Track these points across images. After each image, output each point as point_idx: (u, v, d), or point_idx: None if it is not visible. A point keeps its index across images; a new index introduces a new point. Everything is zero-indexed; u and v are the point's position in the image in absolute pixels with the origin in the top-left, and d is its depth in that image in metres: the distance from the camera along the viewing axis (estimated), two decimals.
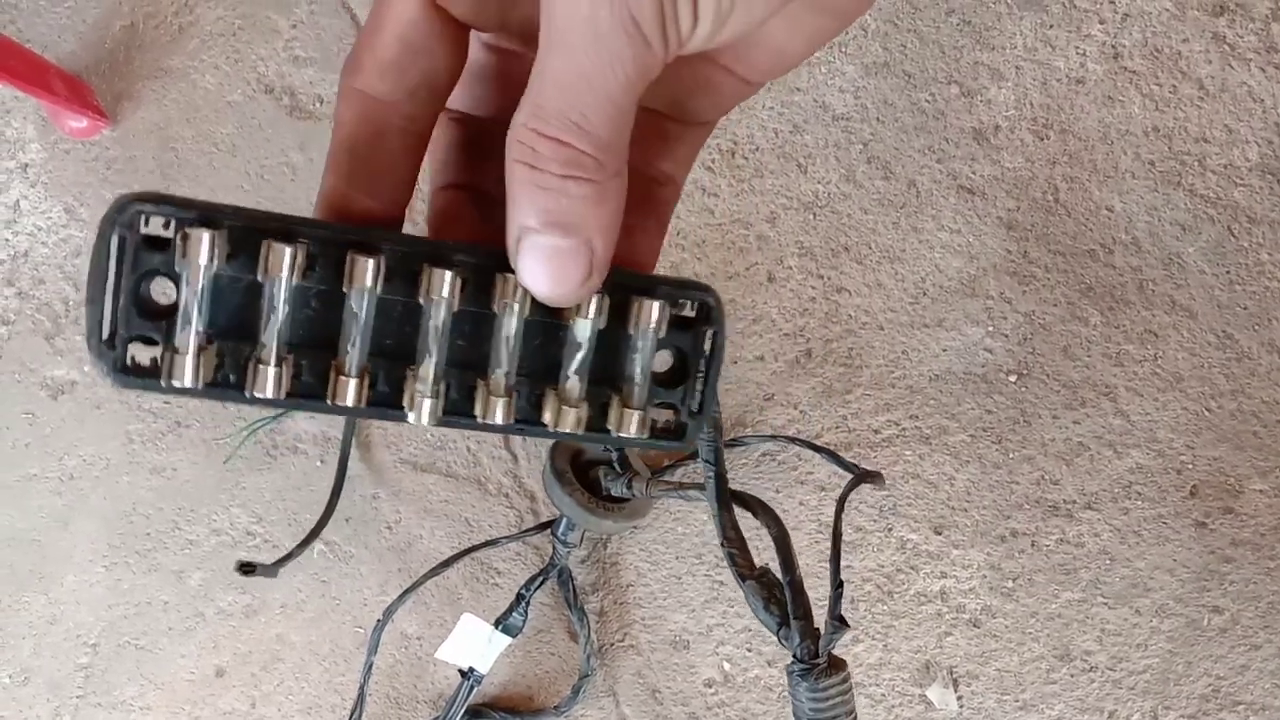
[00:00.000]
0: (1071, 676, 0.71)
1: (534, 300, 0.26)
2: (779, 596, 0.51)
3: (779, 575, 0.52)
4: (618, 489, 0.73)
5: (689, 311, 0.28)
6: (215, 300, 0.25)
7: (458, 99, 0.29)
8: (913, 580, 0.74)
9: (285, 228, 0.25)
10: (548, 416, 0.27)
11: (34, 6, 0.94)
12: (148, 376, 0.25)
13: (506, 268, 0.25)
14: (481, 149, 0.29)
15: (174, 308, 0.25)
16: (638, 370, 0.27)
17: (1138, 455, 0.72)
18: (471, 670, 0.75)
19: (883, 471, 0.76)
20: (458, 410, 0.27)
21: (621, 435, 0.28)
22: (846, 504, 0.76)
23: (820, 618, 0.50)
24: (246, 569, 0.73)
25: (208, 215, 0.24)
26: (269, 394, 0.25)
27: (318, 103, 0.92)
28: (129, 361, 0.25)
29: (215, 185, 0.92)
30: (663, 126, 0.30)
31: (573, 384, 0.27)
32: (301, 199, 0.91)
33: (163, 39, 0.94)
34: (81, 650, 0.87)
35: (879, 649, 0.75)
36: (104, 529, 0.89)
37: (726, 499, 0.54)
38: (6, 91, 0.93)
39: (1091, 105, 0.77)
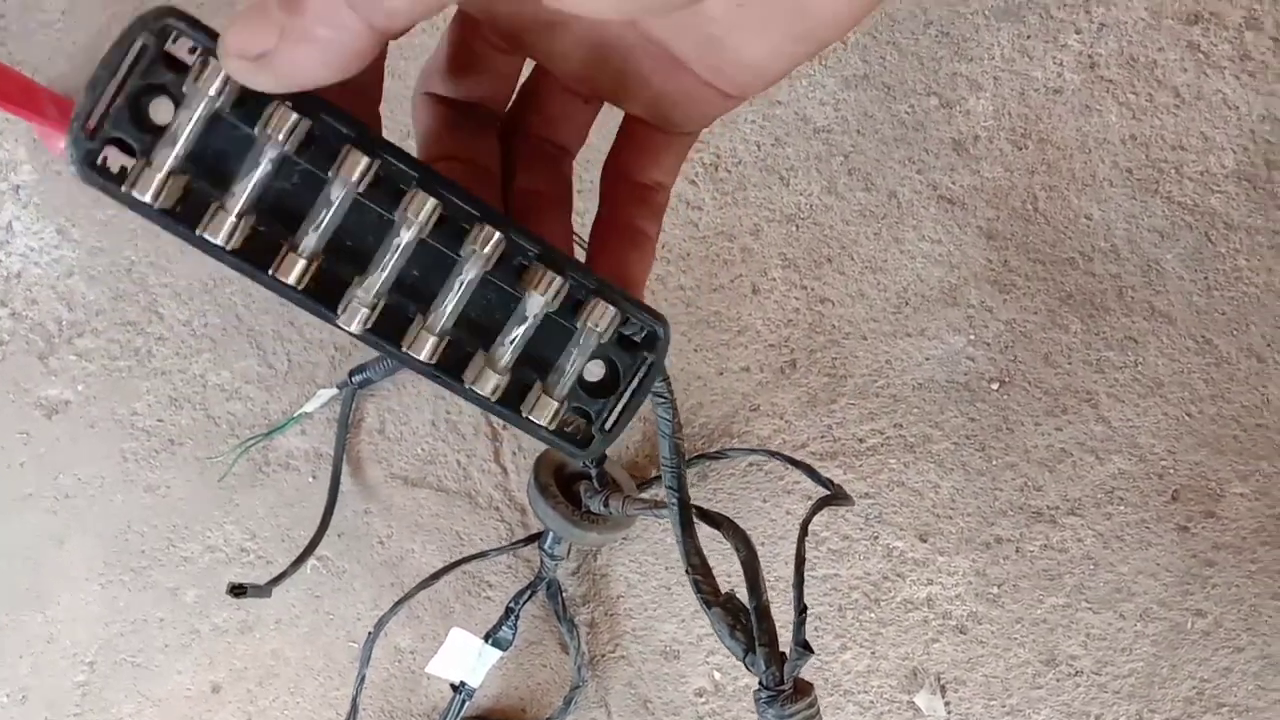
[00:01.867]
0: (1057, 681, 0.71)
1: (499, 262, 0.27)
2: (744, 622, 0.50)
3: (745, 599, 0.52)
4: (595, 505, 0.73)
5: (636, 334, 0.29)
6: (207, 138, 0.25)
7: (441, 85, 0.30)
8: (899, 587, 0.75)
9: (301, 101, 0.25)
10: (469, 374, 0.28)
11: (24, 29, 0.95)
12: (110, 180, 0.25)
13: (492, 222, 0.26)
14: (467, 129, 0.30)
15: (164, 128, 0.25)
16: (569, 364, 0.28)
17: (1119, 461, 0.73)
18: (463, 684, 0.75)
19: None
20: (386, 333, 0.27)
21: (530, 419, 0.28)
22: (829, 513, 0.77)
23: (786, 642, 0.50)
24: (237, 591, 0.73)
25: None
26: (219, 240, 0.25)
27: None
28: (100, 159, 0.25)
29: None
30: (649, 136, 0.31)
31: (505, 351, 0.28)
32: None
33: None
34: (78, 668, 0.88)
35: (867, 656, 0.75)
36: (99, 547, 0.89)
37: (690, 525, 0.54)
38: None
39: (1069, 114, 0.78)
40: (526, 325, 0.27)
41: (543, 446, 0.83)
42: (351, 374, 0.86)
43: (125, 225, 0.93)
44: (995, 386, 0.76)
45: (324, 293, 0.27)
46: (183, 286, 0.93)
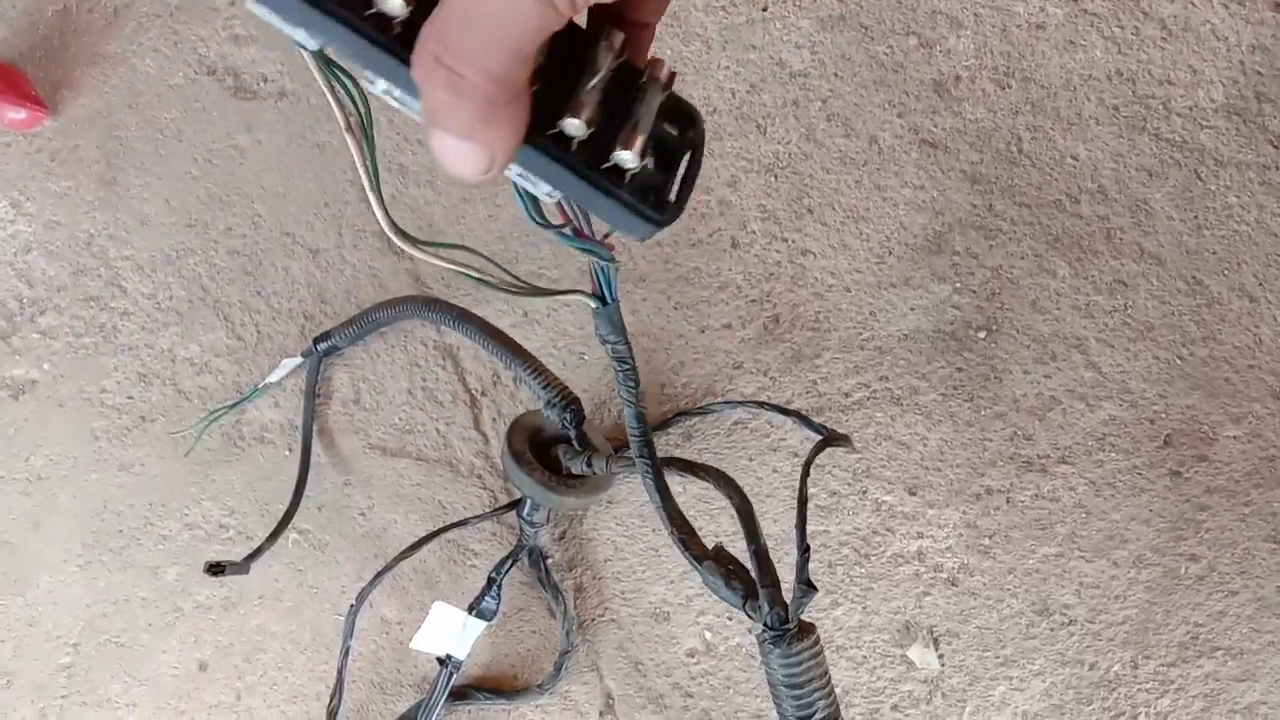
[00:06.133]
0: (1051, 630, 0.71)
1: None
2: (738, 572, 0.50)
3: (743, 548, 0.52)
4: (577, 466, 0.72)
5: (678, 114, 0.33)
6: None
7: None
8: (889, 542, 0.74)
9: None
10: (558, 128, 0.30)
11: None
12: None
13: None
14: None
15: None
16: (643, 113, 0.30)
17: (1110, 407, 0.72)
18: (449, 657, 0.74)
19: (854, 434, 0.75)
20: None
21: (619, 159, 0.30)
22: (816, 468, 0.75)
23: (786, 587, 0.49)
24: (215, 569, 0.72)
25: None
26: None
27: (261, 82, 0.89)
28: None
29: (163, 172, 0.89)
30: None
31: (589, 97, 0.30)
32: (252, 182, 0.88)
33: (98, 23, 0.91)
34: (62, 650, 0.86)
35: (858, 612, 0.74)
36: (76, 528, 0.88)
37: (665, 488, 0.54)
38: None
39: (1053, 51, 0.75)
40: (601, 74, 0.30)
41: (517, 412, 0.81)
42: (316, 341, 0.84)
43: (81, 198, 0.90)
44: (982, 335, 0.74)
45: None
46: (144, 259, 0.90)
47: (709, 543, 0.55)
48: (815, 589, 0.51)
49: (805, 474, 0.56)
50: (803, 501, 0.55)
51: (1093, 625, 0.70)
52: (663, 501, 0.53)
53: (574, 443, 0.75)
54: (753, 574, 0.50)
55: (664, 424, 0.78)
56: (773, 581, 0.50)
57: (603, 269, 0.49)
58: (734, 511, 0.54)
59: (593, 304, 0.49)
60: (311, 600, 0.83)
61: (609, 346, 0.55)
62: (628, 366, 0.55)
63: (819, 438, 0.75)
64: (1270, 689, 0.67)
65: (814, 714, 0.49)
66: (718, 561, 0.52)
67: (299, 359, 0.84)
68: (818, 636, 0.50)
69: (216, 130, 0.89)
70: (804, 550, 0.52)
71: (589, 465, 0.71)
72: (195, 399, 0.87)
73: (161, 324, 0.89)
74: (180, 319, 0.89)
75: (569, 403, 0.74)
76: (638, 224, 0.32)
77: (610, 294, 0.52)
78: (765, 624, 0.49)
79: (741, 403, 0.76)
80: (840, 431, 0.75)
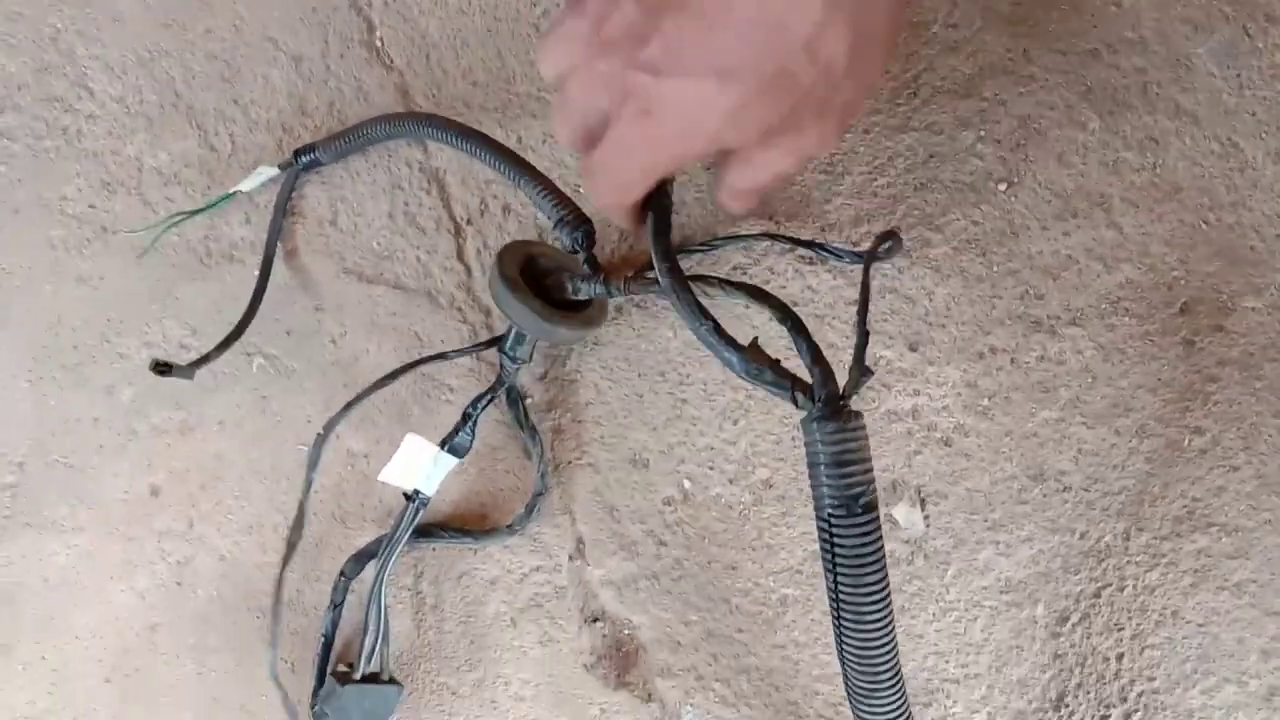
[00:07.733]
0: (1044, 497, 0.68)
1: None
2: (777, 365, 0.50)
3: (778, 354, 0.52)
4: (588, 291, 0.68)
5: None
6: None
7: None
8: (884, 398, 0.71)
9: None
10: None
11: None
12: None
13: None
14: None
15: None
16: None
17: (1128, 269, 0.68)
18: (417, 493, 0.71)
19: (856, 286, 0.72)
20: None
21: None
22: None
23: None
24: (162, 369, 0.68)
25: None
26: None
27: None
28: None
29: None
30: None
31: None
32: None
33: None
34: (7, 469, 0.82)
35: None
36: (27, 342, 0.83)
37: (685, 283, 0.52)
38: None
39: None
40: None
41: (509, 238, 0.77)
42: (297, 154, 0.79)
43: None
44: (1003, 187, 0.70)
45: None
46: (115, 59, 0.84)
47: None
48: (871, 371, 0.53)
49: (868, 265, 0.61)
50: (865, 288, 0.58)
51: (1087, 494, 0.68)
52: (690, 298, 0.52)
53: (586, 264, 0.71)
54: (804, 360, 0.50)
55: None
56: (825, 363, 0.50)
57: None
58: (777, 320, 0.55)
59: None
60: (275, 429, 0.80)
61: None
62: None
63: (835, 259, 0.71)
64: (1261, 567, 0.65)
65: (861, 494, 0.48)
66: (755, 350, 0.51)
67: (275, 170, 0.79)
68: (864, 422, 0.50)
69: None
70: (864, 335, 0.55)
71: (605, 285, 0.67)
72: (161, 210, 0.82)
73: (129, 129, 0.83)
74: (150, 125, 0.83)
75: (581, 222, 0.70)
76: None
77: None
78: (820, 399, 0.49)
79: (750, 235, 0.72)
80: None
